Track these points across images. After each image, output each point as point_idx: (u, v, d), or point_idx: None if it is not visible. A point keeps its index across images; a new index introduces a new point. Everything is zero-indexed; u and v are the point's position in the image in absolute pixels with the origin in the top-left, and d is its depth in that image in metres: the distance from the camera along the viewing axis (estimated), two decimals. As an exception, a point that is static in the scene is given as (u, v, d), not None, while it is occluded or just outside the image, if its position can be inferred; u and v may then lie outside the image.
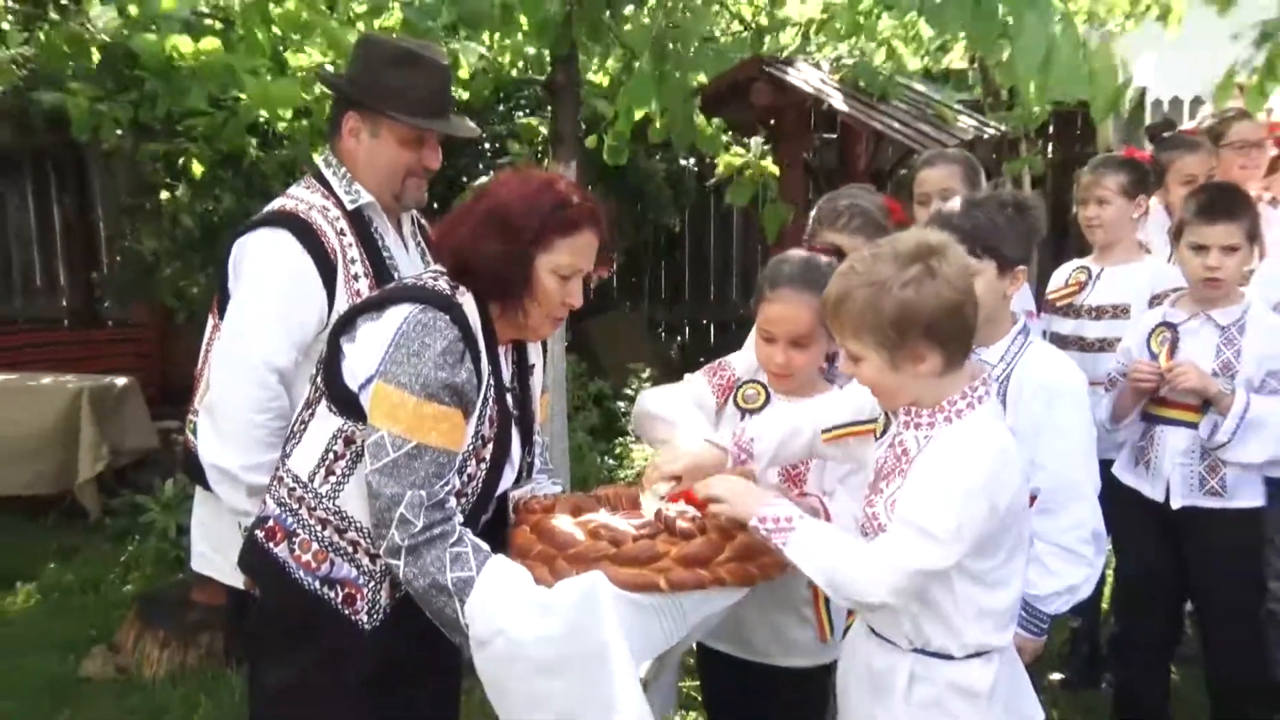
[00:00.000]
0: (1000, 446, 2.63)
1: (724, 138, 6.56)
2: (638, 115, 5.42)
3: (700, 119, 6.17)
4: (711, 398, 3.44)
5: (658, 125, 5.90)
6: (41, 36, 5.51)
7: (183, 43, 5.23)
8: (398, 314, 2.73)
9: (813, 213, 3.91)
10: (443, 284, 2.81)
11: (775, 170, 6.68)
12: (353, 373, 2.75)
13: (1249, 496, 4.18)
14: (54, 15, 5.56)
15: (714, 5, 7.42)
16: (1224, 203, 4.17)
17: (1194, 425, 4.13)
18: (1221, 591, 4.30)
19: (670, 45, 5.27)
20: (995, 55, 5.08)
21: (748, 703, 3.24)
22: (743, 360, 3.59)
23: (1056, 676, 5.16)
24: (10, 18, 5.37)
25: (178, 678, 5.25)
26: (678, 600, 2.70)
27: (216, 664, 5.22)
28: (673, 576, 2.66)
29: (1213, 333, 4.18)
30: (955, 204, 3.54)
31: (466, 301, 2.78)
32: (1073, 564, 3.20)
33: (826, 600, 3.20)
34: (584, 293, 2.92)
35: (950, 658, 2.68)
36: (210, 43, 5.27)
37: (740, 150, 6.79)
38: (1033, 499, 3.12)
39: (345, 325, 2.83)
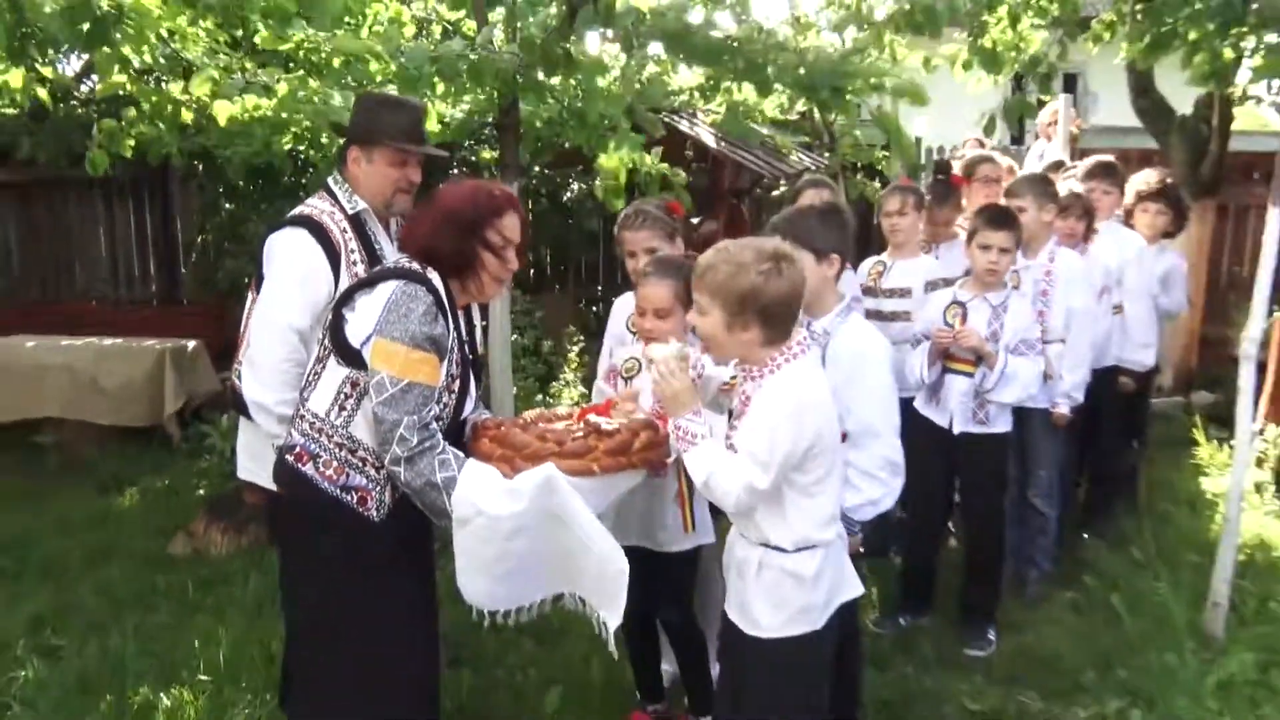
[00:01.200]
0: (802, 389, 2.68)
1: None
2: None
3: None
4: (603, 382, 3.67)
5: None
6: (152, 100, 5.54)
7: (238, 104, 5.27)
8: (387, 288, 2.78)
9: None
10: (414, 265, 2.85)
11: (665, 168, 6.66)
12: (355, 333, 2.81)
13: (1002, 424, 4.41)
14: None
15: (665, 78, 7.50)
16: (1005, 217, 4.36)
17: (971, 375, 4.33)
18: (979, 489, 4.54)
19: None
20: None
21: (637, 580, 3.13)
22: (618, 351, 3.76)
23: (859, 549, 5.26)
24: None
25: (235, 555, 5.28)
26: (606, 480, 2.81)
27: (261, 546, 5.23)
28: (603, 463, 2.78)
29: (987, 309, 4.36)
30: (782, 213, 3.57)
31: (434, 276, 2.83)
32: (874, 485, 3.20)
33: (691, 500, 3.35)
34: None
35: (784, 550, 2.74)
36: (251, 100, 5.31)
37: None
38: (845, 436, 3.15)
39: (345, 299, 2.89)
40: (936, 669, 4.24)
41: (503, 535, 2.67)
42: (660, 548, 3.42)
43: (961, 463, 4.49)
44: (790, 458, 2.63)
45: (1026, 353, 4.33)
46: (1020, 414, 4.65)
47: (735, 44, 5.20)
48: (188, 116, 5.40)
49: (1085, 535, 5.43)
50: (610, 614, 2.79)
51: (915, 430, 4.31)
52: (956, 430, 4.40)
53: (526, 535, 2.70)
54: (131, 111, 5.63)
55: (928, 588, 4.70)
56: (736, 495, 2.66)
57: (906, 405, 4.26)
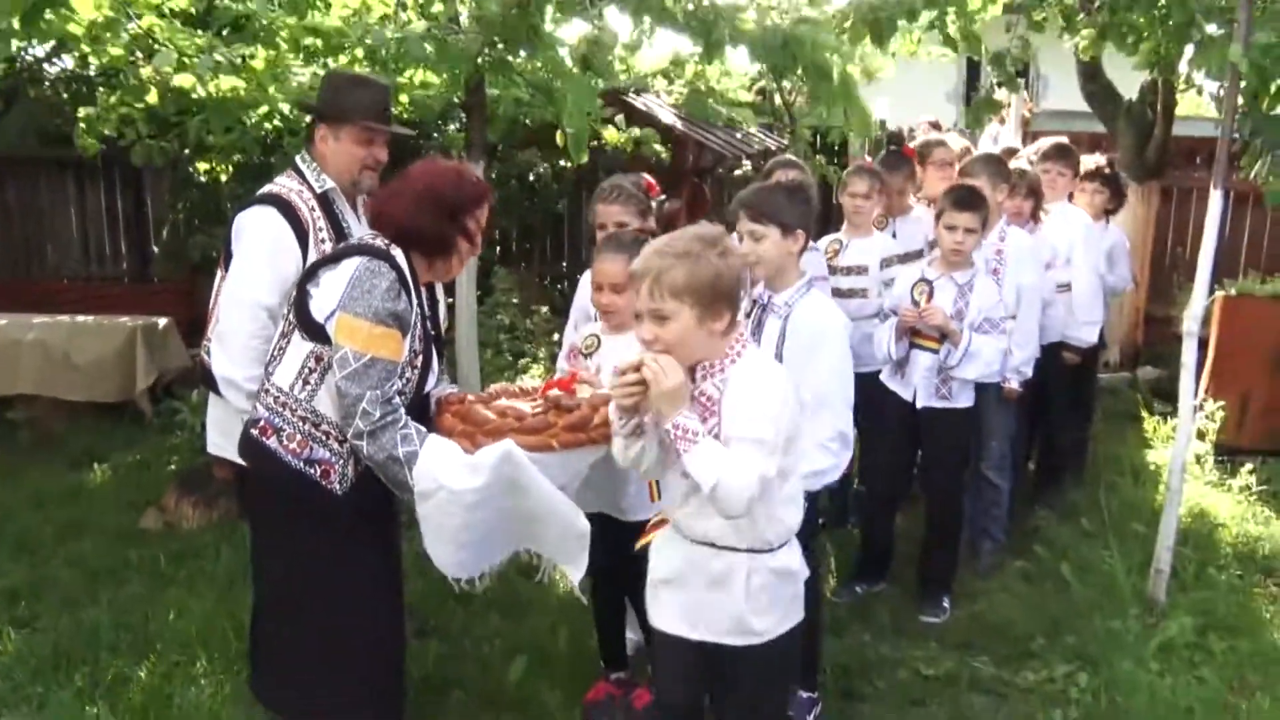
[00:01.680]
0: (773, 367, 2.63)
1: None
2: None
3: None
4: (565, 361, 3.59)
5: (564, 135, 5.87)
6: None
7: (211, 85, 5.17)
8: (351, 264, 2.75)
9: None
10: (379, 241, 2.82)
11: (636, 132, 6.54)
12: (319, 308, 2.77)
13: (965, 400, 4.40)
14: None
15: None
16: (971, 199, 4.34)
17: (936, 351, 4.32)
18: (941, 463, 4.55)
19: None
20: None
21: (601, 547, 3.15)
22: (582, 326, 3.72)
23: (819, 520, 5.27)
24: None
25: (205, 529, 5.21)
26: (565, 455, 2.78)
27: (232, 519, 5.16)
28: (561, 439, 2.76)
29: (953, 288, 4.35)
30: (750, 188, 3.57)
31: (398, 254, 2.79)
32: (824, 456, 3.19)
33: None
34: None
35: (771, 549, 2.56)
36: (229, 81, 5.21)
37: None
38: None
39: (309, 275, 2.85)
40: (892, 636, 4.27)
41: (464, 507, 2.66)
42: (624, 516, 3.36)
43: (924, 436, 4.49)
44: (786, 439, 2.47)
45: (990, 331, 4.32)
46: (974, 388, 4.66)
47: (691, 5, 5.15)
48: (154, 99, 5.29)
49: (1038, 507, 5.47)
50: (574, 570, 2.84)
51: (880, 403, 4.46)
52: (920, 405, 4.40)
53: (488, 507, 2.69)
54: (110, 98, 5.53)
55: (884, 557, 4.71)
56: (751, 492, 2.37)
57: (871, 379, 4.39)
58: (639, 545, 2.73)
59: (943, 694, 3.87)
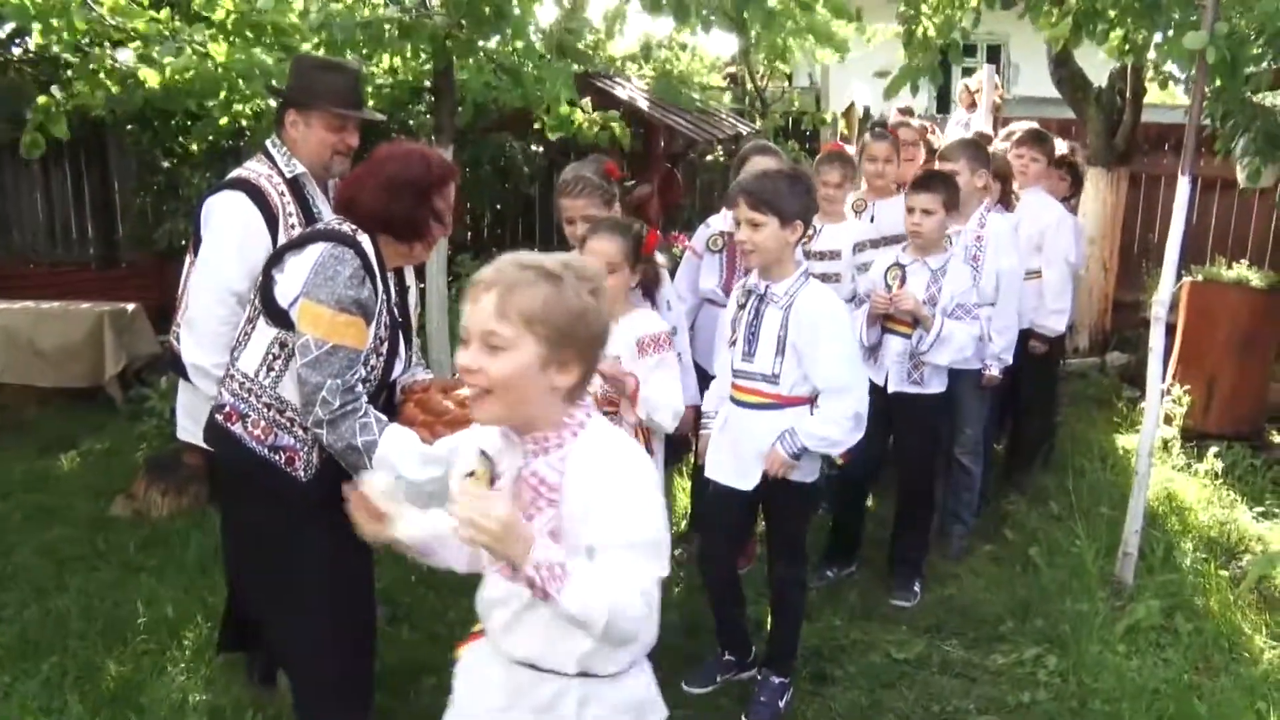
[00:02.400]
0: (634, 444, 2.04)
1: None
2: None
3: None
4: None
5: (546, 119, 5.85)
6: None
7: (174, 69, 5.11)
8: (315, 249, 2.71)
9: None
10: (346, 227, 2.78)
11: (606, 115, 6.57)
12: (283, 294, 2.73)
13: (937, 385, 4.41)
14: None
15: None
16: (929, 180, 4.35)
17: (908, 336, 4.31)
18: (912, 447, 4.58)
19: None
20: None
21: None
22: None
23: None
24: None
25: (175, 516, 5.17)
26: None
27: (202, 506, 5.14)
28: None
29: (926, 273, 4.35)
30: (747, 175, 3.65)
31: (364, 239, 2.76)
32: (837, 429, 3.37)
33: (649, 440, 3.34)
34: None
35: (612, 676, 1.99)
36: (189, 68, 5.14)
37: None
38: (814, 400, 3.41)
39: (275, 260, 2.81)
40: (863, 620, 4.29)
41: (423, 499, 2.59)
42: None
43: (895, 421, 4.49)
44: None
45: (963, 317, 4.32)
46: (950, 374, 4.69)
47: None
48: (113, 85, 5.23)
49: (1008, 492, 5.52)
50: None
51: None
52: (891, 389, 4.39)
53: (443, 498, 2.65)
54: (80, 85, 5.46)
55: (854, 541, 4.73)
56: (648, 608, 1.81)
57: None
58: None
59: (913, 677, 3.89)
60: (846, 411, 3.36)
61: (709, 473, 3.65)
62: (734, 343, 3.51)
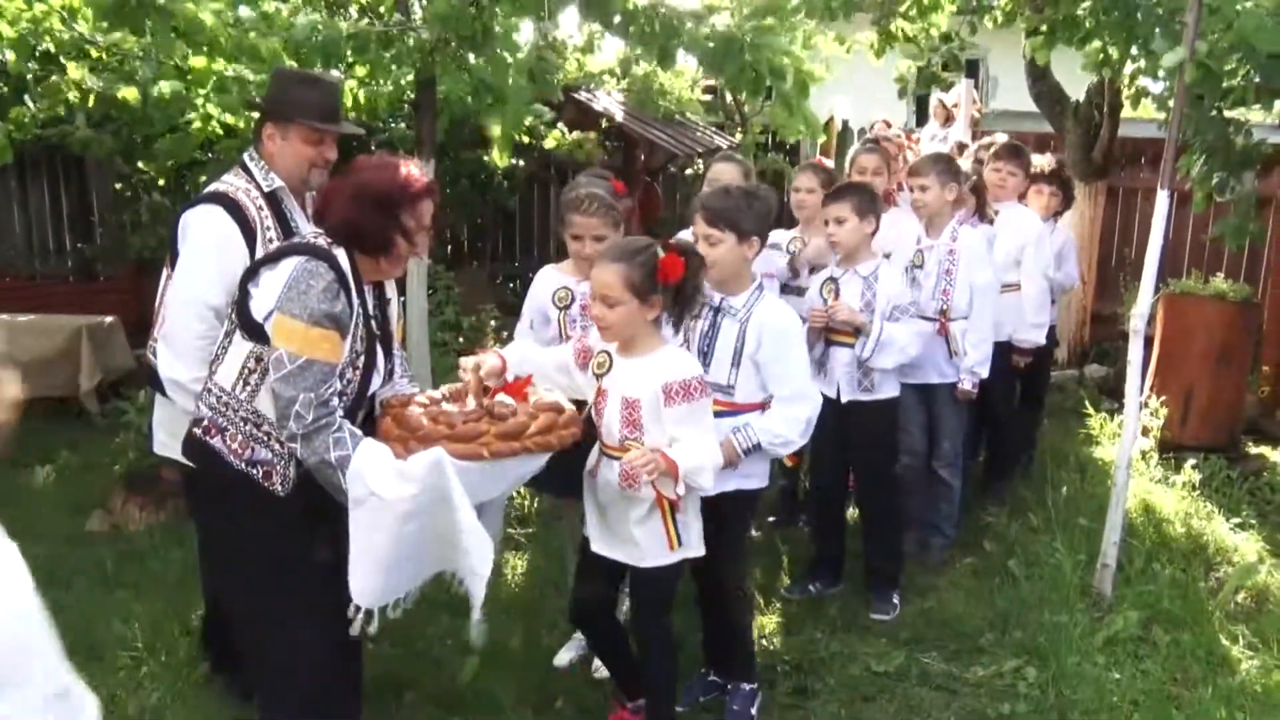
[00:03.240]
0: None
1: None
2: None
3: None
4: (573, 361, 3.27)
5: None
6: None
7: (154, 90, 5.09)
8: (289, 264, 2.70)
9: (562, 199, 3.73)
10: (321, 240, 2.77)
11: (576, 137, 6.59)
12: (258, 308, 2.72)
13: (888, 390, 4.39)
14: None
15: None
16: (840, 191, 4.35)
17: (852, 346, 4.29)
18: (869, 455, 4.53)
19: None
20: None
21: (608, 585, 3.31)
22: (539, 324, 3.71)
23: (771, 519, 5.27)
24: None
25: (153, 531, 5.15)
26: (498, 464, 2.72)
27: (180, 521, 5.05)
28: (493, 448, 2.68)
29: (859, 281, 4.31)
30: (707, 190, 3.65)
31: (340, 253, 2.74)
32: (791, 431, 3.38)
33: (672, 514, 3.09)
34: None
35: None
36: (168, 86, 5.13)
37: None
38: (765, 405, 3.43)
39: (251, 274, 2.79)
40: (843, 633, 4.29)
41: (395, 518, 2.60)
42: (635, 563, 3.18)
43: (852, 431, 4.45)
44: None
45: (900, 318, 4.29)
46: (927, 390, 4.79)
47: (650, 13, 5.16)
48: (74, 96, 5.21)
49: (987, 504, 5.55)
50: (474, 599, 2.72)
51: None
52: (844, 399, 4.38)
53: (418, 519, 2.62)
54: (47, 102, 5.44)
55: (837, 558, 4.70)
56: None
57: None
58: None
59: (893, 689, 3.90)
60: (801, 415, 3.39)
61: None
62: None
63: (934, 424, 4.86)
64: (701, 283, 3.18)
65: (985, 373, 4.81)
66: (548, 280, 3.77)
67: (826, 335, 4.35)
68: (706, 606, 3.75)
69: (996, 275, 5.00)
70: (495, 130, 5.64)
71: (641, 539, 3.12)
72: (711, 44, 5.18)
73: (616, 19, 5.18)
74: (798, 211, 4.97)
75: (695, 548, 3.21)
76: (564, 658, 3.99)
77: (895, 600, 4.52)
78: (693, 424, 3.00)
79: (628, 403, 3.04)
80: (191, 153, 6.31)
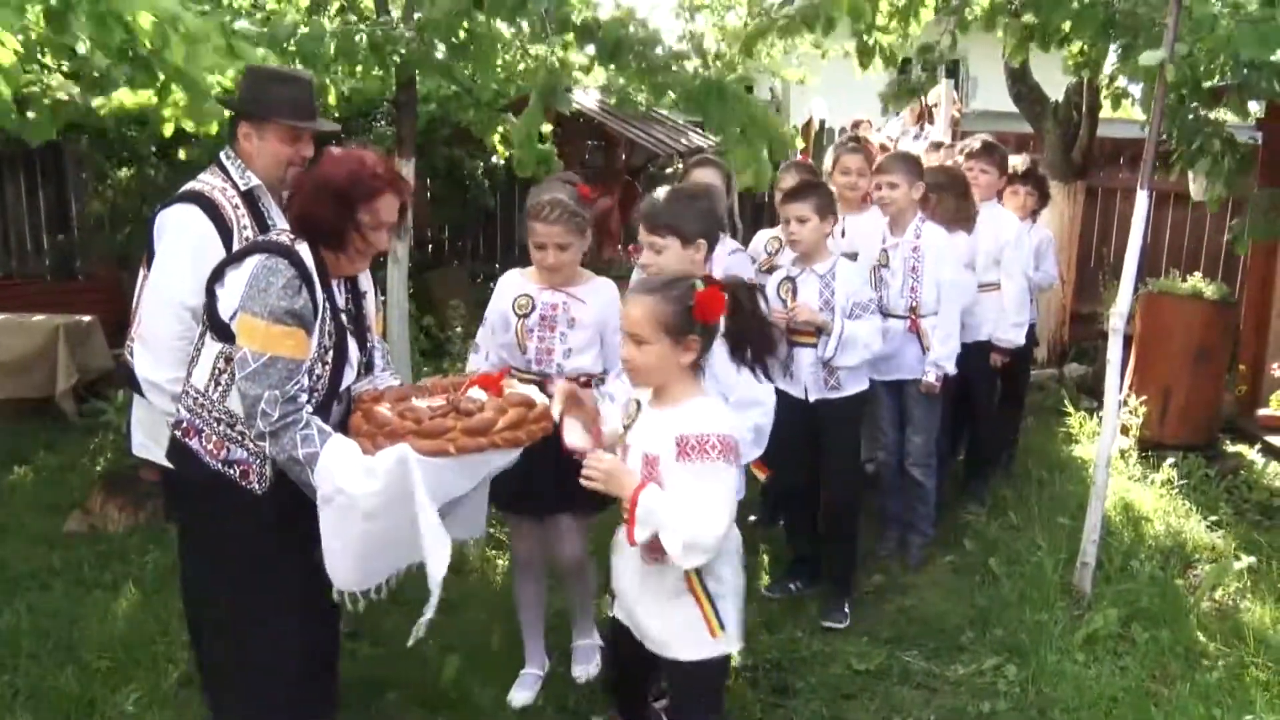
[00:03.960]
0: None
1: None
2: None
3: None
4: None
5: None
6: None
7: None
8: (250, 262, 2.71)
9: (526, 206, 3.57)
10: (284, 237, 2.78)
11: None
12: (225, 308, 2.73)
13: (855, 386, 4.36)
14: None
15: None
16: (801, 189, 4.28)
17: (814, 346, 4.26)
18: (836, 453, 4.44)
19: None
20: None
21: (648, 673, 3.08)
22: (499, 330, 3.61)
23: (752, 518, 5.20)
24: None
25: (133, 531, 5.12)
26: (466, 460, 2.72)
27: (159, 521, 5.08)
28: (459, 443, 2.68)
29: (815, 280, 4.28)
30: (649, 198, 3.47)
31: (302, 248, 2.74)
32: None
33: (709, 599, 2.71)
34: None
35: None
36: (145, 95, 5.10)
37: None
38: None
39: (217, 274, 2.80)
40: (824, 632, 4.30)
41: (361, 515, 2.60)
42: (671, 655, 2.79)
43: (822, 431, 4.40)
44: None
45: (861, 314, 4.27)
46: (899, 387, 4.80)
47: (640, 46, 5.21)
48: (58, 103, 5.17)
49: (967, 503, 5.57)
50: (429, 604, 2.70)
51: (777, 406, 4.15)
52: (811, 399, 4.34)
53: (383, 516, 2.61)
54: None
55: (814, 554, 4.68)
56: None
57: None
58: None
59: (874, 688, 3.90)
60: (748, 423, 3.19)
61: None
62: None
63: (905, 420, 4.86)
64: (762, 318, 2.76)
65: (951, 368, 4.78)
66: (511, 285, 3.67)
67: (788, 336, 4.23)
68: None
69: (964, 271, 4.98)
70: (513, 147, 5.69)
71: (666, 629, 2.77)
72: (694, 85, 5.24)
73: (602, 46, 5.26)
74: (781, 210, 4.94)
75: (735, 640, 2.81)
76: (518, 698, 3.76)
77: (846, 609, 4.42)
78: (697, 487, 2.53)
79: (648, 460, 2.62)
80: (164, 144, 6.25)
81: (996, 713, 3.74)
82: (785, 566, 4.74)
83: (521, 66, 5.65)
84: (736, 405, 3.19)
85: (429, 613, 2.70)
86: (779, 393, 4.01)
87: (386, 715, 3.63)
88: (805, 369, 4.33)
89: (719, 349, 2.74)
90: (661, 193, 3.47)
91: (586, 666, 3.89)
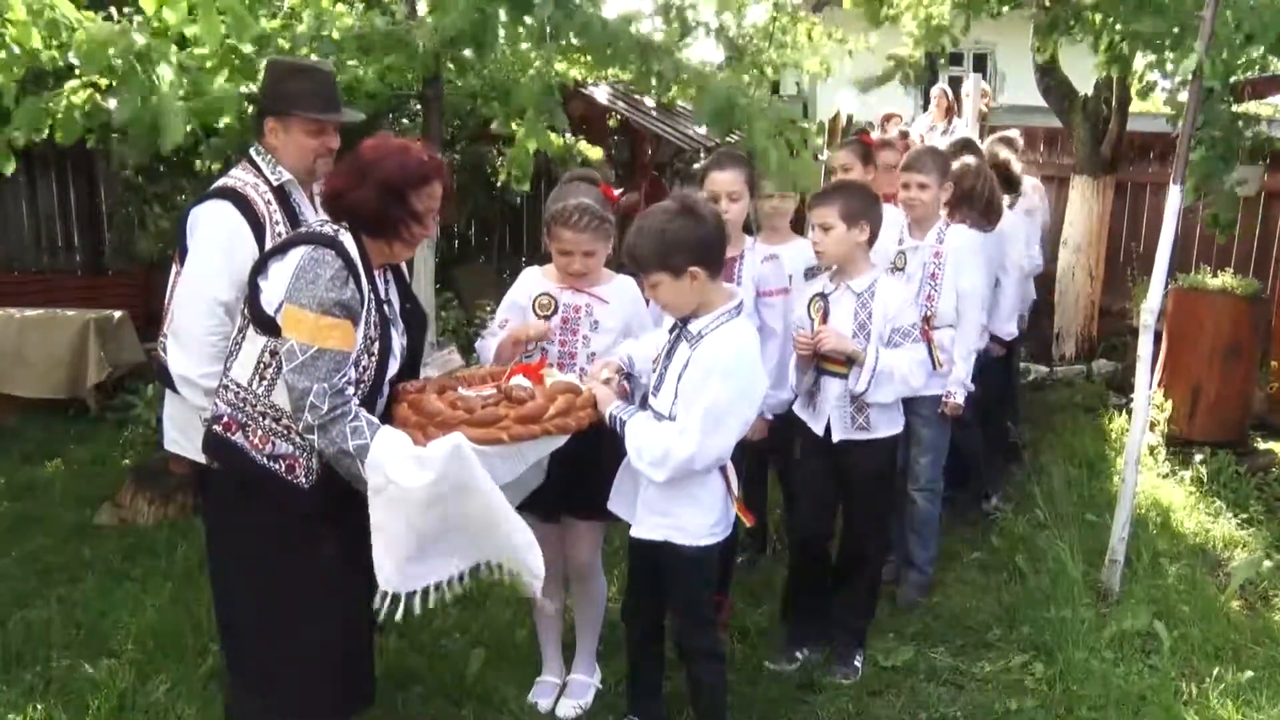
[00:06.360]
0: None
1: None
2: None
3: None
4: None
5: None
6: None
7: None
8: (296, 254, 2.70)
9: (548, 211, 3.42)
10: (327, 228, 2.77)
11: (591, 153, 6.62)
12: (269, 301, 2.71)
13: (888, 427, 3.81)
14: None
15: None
16: (827, 191, 3.86)
17: (845, 376, 3.71)
18: (865, 499, 3.89)
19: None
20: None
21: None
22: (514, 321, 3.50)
23: (740, 559, 4.62)
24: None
25: (162, 524, 5.17)
26: (517, 447, 2.74)
27: (189, 514, 5.12)
28: (512, 431, 2.70)
29: (851, 299, 3.76)
30: (629, 235, 3.05)
31: (346, 238, 2.74)
32: (650, 452, 2.95)
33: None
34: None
35: None
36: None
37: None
38: None
39: (260, 267, 2.80)
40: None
41: (415, 506, 2.58)
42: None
43: (846, 474, 3.85)
44: None
45: (902, 342, 3.72)
46: (905, 402, 3.96)
47: (646, 51, 5.20)
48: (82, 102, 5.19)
49: (993, 499, 5.52)
50: (529, 578, 2.73)
51: (796, 434, 3.93)
52: (835, 439, 3.78)
53: (440, 506, 2.61)
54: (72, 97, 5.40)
55: (823, 605, 4.07)
56: None
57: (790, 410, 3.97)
58: None
59: (901, 684, 3.89)
60: (671, 450, 2.90)
61: (611, 504, 3.28)
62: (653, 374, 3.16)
63: (913, 441, 4.40)
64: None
65: (973, 385, 4.49)
66: (531, 282, 3.53)
67: (818, 363, 3.79)
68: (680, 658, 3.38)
69: (986, 280, 4.69)
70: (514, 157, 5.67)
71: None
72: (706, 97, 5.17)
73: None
74: (770, 218, 4.78)
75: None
76: (542, 705, 3.70)
77: (858, 661, 3.98)
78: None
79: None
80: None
81: (1023, 710, 3.72)
82: (785, 635, 4.11)
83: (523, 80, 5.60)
84: (673, 429, 2.94)
85: (536, 585, 2.76)
86: (802, 424, 3.88)
87: (412, 708, 3.65)
88: (831, 401, 3.78)
89: (701, 380, 2.92)
90: (636, 228, 3.04)
91: (577, 702, 3.68)
